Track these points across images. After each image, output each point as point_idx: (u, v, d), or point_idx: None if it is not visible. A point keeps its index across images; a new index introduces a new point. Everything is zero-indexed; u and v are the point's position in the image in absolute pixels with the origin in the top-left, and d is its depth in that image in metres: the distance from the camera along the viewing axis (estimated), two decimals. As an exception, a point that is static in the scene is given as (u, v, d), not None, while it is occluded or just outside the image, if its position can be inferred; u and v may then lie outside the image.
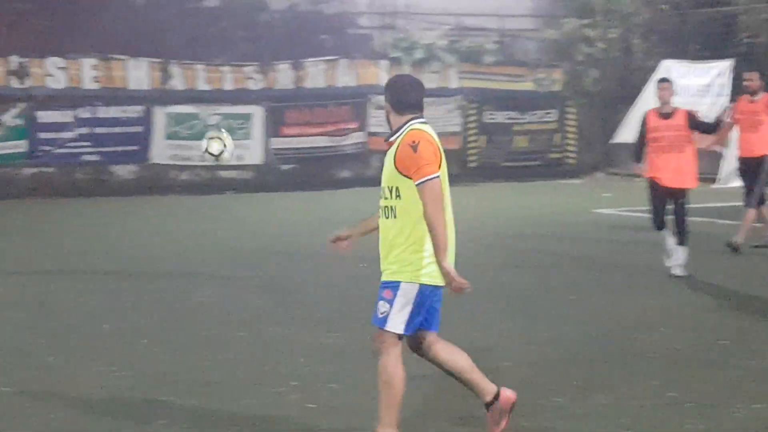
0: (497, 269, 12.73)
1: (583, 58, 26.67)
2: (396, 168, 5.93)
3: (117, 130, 23.80)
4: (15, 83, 22.71)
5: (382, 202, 6.04)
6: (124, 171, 24.22)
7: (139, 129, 23.94)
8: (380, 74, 25.66)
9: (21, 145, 22.95)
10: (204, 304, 10.76)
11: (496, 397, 6.09)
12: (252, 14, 25.30)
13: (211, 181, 24.32)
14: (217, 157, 8.70)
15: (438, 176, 5.84)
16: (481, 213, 19.02)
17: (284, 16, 25.61)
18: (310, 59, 25.07)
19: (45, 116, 23.12)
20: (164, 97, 24.11)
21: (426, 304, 5.89)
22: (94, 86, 23.53)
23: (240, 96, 24.73)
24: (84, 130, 23.53)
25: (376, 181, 22.56)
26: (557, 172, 26.68)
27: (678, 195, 11.48)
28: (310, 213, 19.46)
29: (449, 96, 26.34)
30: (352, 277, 11.55)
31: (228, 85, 24.71)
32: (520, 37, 28.36)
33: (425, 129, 6.04)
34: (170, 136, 24.11)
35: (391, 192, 5.95)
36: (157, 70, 23.78)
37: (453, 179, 22.58)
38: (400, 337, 5.91)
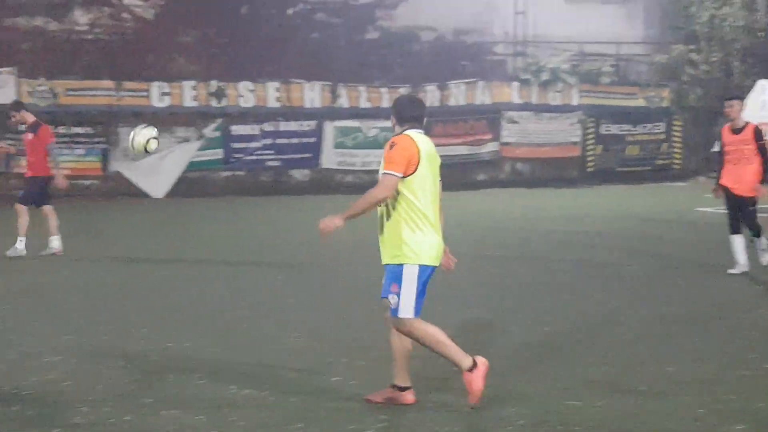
0: (608, 263, 12.59)
1: (688, 78, 26.15)
2: (383, 162, 5.95)
3: (294, 140, 24.19)
4: (214, 102, 23.28)
5: None
6: (300, 174, 24.63)
7: (312, 140, 24.30)
8: (512, 94, 25.57)
9: (218, 153, 23.55)
10: (360, 285, 10.81)
11: (404, 389, 6.05)
12: (406, 44, 25.45)
13: (370, 183, 24.39)
14: (148, 153, 8.19)
15: (394, 175, 5.82)
16: (597, 211, 18.81)
17: (432, 46, 25.68)
18: (453, 81, 25.09)
19: (237, 129, 23.65)
20: (333, 113, 24.41)
21: (425, 279, 5.93)
22: (276, 105, 23.95)
23: (395, 112, 24.85)
24: (268, 141, 23.97)
25: (507, 183, 22.78)
26: (664, 176, 26.11)
27: (745, 202, 10.74)
28: (454, 211, 19.42)
29: (571, 112, 26.02)
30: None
31: (385, 104, 24.78)
32: (633, 60, 27.83)
33: (413, 136, 5.99)
34: (337, 146, 24.43)
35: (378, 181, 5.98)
36: (327, 91, 24.10)
37: (572, 182, 22.50)
38: (413, 321, 5.90)
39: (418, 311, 5.91)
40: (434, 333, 5.94)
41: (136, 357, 7.47)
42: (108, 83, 22.24)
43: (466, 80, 25.27)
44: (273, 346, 7.81)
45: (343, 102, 24.38)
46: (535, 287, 10.49)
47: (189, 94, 23.01)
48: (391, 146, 5.92)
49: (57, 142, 21.61)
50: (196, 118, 23.26)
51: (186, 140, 23.20)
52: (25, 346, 7.82)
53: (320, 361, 7.28)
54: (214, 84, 23.18)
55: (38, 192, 13.10)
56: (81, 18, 22.73)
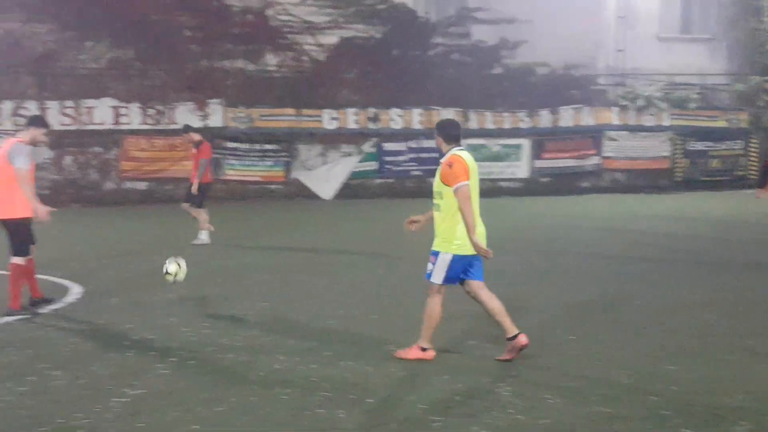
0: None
1: (763, 104, 25.08)
2: (440, 179, 6.18)
3: (433, 155, 24.11)
4: (371, 125, 23.62)
5: (434, 201, 6.30)
6: (438, 181, 24.67)
7: (448, 154, 24.34)
8: (612, 117, 25.03)
9: (373, 165, 23.82)
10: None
11: (514, 337, 6.21)
12: (524, 77, 25.20)
13: (492, 189, 24.31)
14: (169, 275, 7.91)
15: (466, 184, 6.05)
16: (683, 213, 18.22)
17: (546, 78, 25.32)
18: (563, 107, 24.71)
19: (389, 146, 23.86)
20: (464, 133, 24.18)
21: (458, 264, 6.19)
22: (419, 126, 24.03)
23: (514, 132, 24.68)
24: (412, 155, 24.09)
25: (607, 190, 22.17)
26: (741, 185, 24.99)
27: None
28: (561, 212, 19.18)
29: (662, 131, 25.26)
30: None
31: (506, 125, 24.70)
32: (716, 89, 26.76)
33: (460, 154, 6.19)
34: (468, 159, 24.41)
35: (438, 194, 6.24)
36: (460, 116, 24.04)
37: (663, 189, 21.76)
38: (440, 287, 6.24)
39: (445, 282, 6.25)
40: (435, 317, 6.28)
41: (314, 319, 7.74)
42: (290, 110, 22.83)
43: (574, 106, 24.83)
44: (419, 316, 7.94)
45: (473, 124, 24.34)
46: (633, 275, 10.29)
47: (352, 118, 23.39)
48: (451, 165, 6.12)
49: (252, 156, 22.70)
50: (357, 137, 23.61)
51: (349, 154, 23.58)
52: (235, 311, 8.19)
53: (457, 330, 7.36)
54: (371, 111, 23.50)
55: (201, 194, 13.23)
56: (271, 60, 23.40)
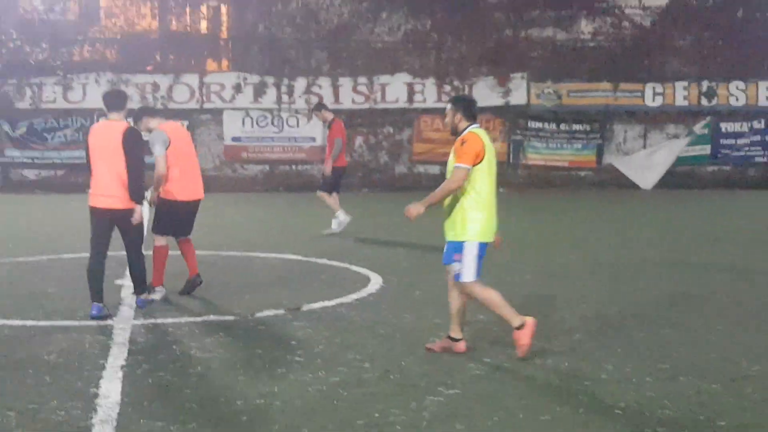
0: None
1: None
2: (454, 157, 6.47)
3: (787, 138, 22.97)
4: (704, 102, 22.76)
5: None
6: (788, 171, 23.23)
7: (808, 137, 22.91)
8: None
9: (705, 149, 23.01)
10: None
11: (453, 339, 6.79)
12: None
13: None
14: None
15: (465, 168, 6.37)
16: None
17: None
18: None
19: (726, 127, 22.92)
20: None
21: (483, 251, 6.53)
22: (767, 103, 22.83)
23: None
24: (757, 138, 22.98)
25: None
26: None
27: None
28: None
29: None
30: None
31: None
32: None
33: (478, 132, 6.53)
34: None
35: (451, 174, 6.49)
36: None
37: None
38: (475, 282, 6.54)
39: (477, 275, 6.56)
40: (491, 295, 6.61)
41: (641, 324, 7.65)
42: (606, 85, 22.62)
43: None
44: None
45: None
46: None
47: (681, 94, 22.71)
48: (462, 143, 6.45)
49: (559, 138, 22.75)
50: (686, 116, 22.89)
51: (675, 137, 22.93)
52: (549, 313, 8.35)
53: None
54: (705, 84, 22.63)
55: (334, 180, 13.55)
56: (585, 28, 23.38)
